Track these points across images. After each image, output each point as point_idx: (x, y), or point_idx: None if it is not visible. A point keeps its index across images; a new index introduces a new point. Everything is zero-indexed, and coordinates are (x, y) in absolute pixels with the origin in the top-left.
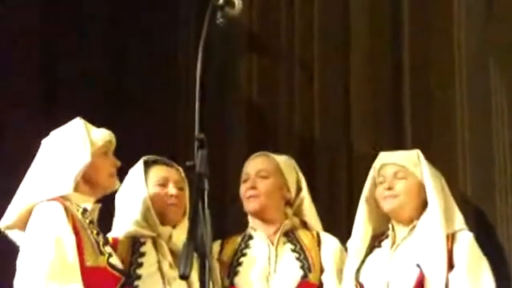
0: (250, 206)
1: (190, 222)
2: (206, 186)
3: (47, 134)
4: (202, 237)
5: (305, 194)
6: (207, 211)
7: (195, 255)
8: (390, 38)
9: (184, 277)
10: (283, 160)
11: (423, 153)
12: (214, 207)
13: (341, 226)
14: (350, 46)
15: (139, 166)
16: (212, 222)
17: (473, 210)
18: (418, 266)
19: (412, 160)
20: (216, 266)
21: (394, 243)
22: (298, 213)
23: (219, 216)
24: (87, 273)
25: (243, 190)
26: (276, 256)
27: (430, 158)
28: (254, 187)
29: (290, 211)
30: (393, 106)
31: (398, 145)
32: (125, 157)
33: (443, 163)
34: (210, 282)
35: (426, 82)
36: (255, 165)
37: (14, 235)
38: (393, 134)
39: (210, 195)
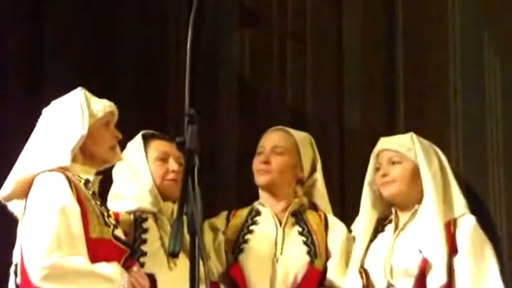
0: (260, 179)
1: (180, 199)
2: (197, 162)
3: (33, 112)
4: (192, 214)
5: (318, 175)
6: (197, 188)
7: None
8: (384, 11)
9: (173, 255)
10: (302, 138)
11: (415, 128)
12: (204, 184)
13: (333, 200)
14: (343, 20)
15: (138, 140)
16: (202, 198)
17: (465, 185)
18: (420, 251)
19: (406, 144)
20: (222, 239)
21: (396, 228)
22: (309, 194)
23: (208, 192)
24: (92, 244)
25: (256, 162)
26: (283, 238)
27: (423, 134)
28: (267, 162)
29: (300, 191)
30: (386, 81)
31: (390, 120)
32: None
33: (435, 139)
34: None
35: (419, 57)
36: (272, 139)
37: (12, 206)
38: (385, 109)
39: (200, 172)
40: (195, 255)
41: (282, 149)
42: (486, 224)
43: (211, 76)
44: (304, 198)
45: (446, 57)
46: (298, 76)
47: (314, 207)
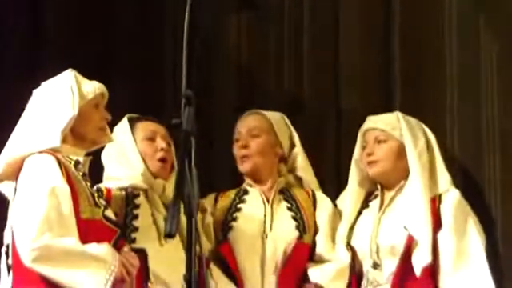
0: (243, 166)
1: (177, 181)
2: (193, 144)
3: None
4: (189, 196)
5: (298, 149)
6: (194, 170)
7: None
8: None
9: (170, 236)
10: (275, 117)
11: (411, 111)
12: (201, 167)
13: (329, 182)
14: (340, 4)
15: (124, 123)
16: (199, 181)
17: (460, 168)
18: (406, 228)
19: (392, 122)
20: (210, 219)
21: (382, 204)
22: (293, 169)
23: (205, 176)
24: (83, 225)
25: (235, 149)
26: (272, 214)
27: (418, 116)
28: (246, 146)
29: (284, 168)
30: (382, 64)
31: (387, 102)
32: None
33: (431, 121)
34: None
35: (416, 40)
36: (247, 123)
37: (3, 187)
38: (381, 91)
39: (197, 156)
40: (192, 237)
41: (257, 130)
42: (481, 206)
43: (208, 61)
44: (289, 176)
45: (442, 42)
46: (294, 59)
47: (300, 182)
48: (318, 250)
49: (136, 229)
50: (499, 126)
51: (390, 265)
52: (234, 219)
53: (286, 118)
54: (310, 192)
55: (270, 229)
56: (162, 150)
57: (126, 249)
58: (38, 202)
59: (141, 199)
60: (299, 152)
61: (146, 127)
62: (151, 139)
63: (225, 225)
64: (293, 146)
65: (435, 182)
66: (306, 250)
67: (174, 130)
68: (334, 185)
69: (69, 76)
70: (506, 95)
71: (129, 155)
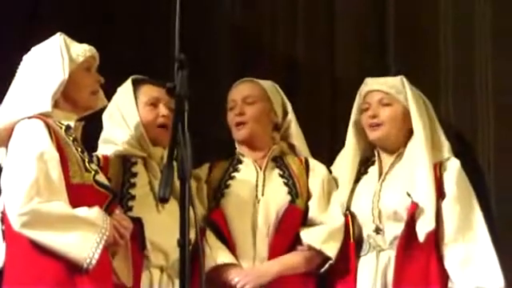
0: (239, 133)
1: (170, 145)
2: (187, 107)
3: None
4: (182, 159)
5: (291, 117)
6: (187, 133)
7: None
8: None
9: (163, 200)
10: (268, 85)
11: (406, 77)
12: (197, 132)
13: (323, 148)
14: None
15: (128, 84)
16: (192, 144)
17: (455, 135)
18: (409, 194)
19: (397, 86)
20: (204, 187)
21: (381, 171)
22: (286, 136)
23: (201, 140)
24: (73, 190)
25: (231, 116)
26: (264, 180)
27: (413, 83)
28: (241, 113)
29: (277, 136)
30: (377, 28)
31: (382, 67)
32: (111, 75)
33: (426, 88)
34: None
35: (411, 6)
36: (241, 91)
37: None
38: (377, 57)
39: (192, 119)
40: (185, 200)
41: (252, 98)
42: (475, 173)
43: (202, 22)
44: (283, 144)
45: (437, 2)
46: (289, 23)
47: (292, 150)
48: (310, 214)
49: (133, 197)
50: (492, 88)
51: (393, 230)
52: (227, 186)
53: (277, 87)
54: (303, 159)
55: (262, 194)
56: (163, 116)
57: (117, 211)
58: (26, 167)
59: (138, 167)
60: (292, 119)
61: (149, 92)
62: (153, 105)
63: (218, 192)
64: (285, 113)
65: (437, 149)
66: (298, 214)
67: (169, 93)
68: (328, 152)
69: (58, 40)
70: (499, 56)
71: (129, 119)
